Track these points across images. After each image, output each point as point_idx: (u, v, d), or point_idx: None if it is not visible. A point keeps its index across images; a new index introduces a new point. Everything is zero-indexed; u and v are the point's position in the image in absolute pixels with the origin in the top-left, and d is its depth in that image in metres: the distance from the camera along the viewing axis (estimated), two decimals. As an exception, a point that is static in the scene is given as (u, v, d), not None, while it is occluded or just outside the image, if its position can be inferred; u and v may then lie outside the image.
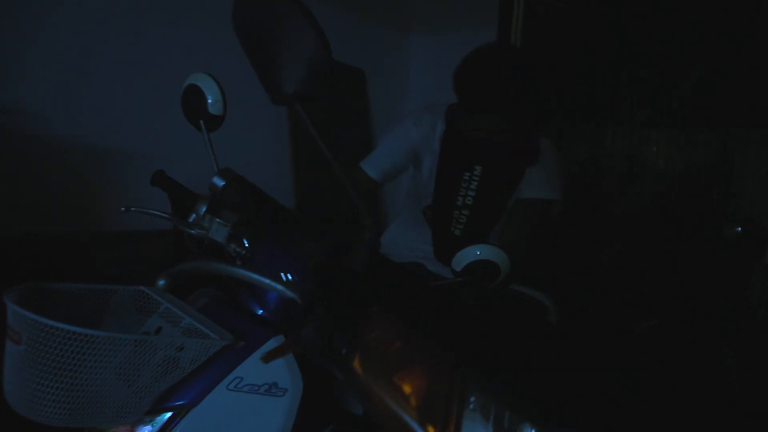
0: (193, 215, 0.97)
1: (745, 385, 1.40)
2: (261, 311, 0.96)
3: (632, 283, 2.95)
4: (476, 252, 0.97)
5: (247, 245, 0.97)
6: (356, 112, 3.49)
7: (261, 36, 0.95)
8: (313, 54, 0.86)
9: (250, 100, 2.95)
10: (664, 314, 1.66)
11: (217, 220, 0.94)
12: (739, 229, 3.04)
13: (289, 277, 0.92)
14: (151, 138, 2.45)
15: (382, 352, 0.73)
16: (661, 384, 1.32)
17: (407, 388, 0.70)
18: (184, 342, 0.80)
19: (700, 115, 3.05)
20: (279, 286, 0.84)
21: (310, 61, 0.86)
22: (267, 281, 0.85)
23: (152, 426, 0.84)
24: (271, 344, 0.89)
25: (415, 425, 0.69)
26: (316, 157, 0.91)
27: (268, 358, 0.86)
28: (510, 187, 1.67)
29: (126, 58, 2.40)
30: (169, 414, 0.84)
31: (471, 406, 0.69)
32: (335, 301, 0.74)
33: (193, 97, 1.04)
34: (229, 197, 1.03)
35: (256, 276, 0.86)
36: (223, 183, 1.06)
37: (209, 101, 1.03)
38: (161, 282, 0.90)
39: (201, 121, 1.04)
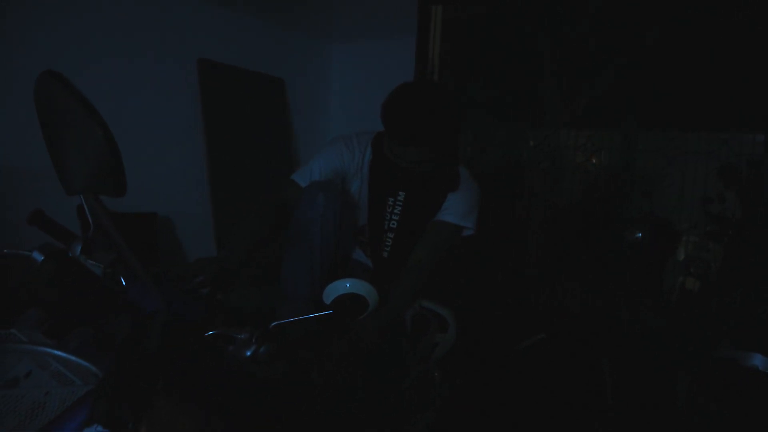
0: (70, 254, 0.98)
1: (619, 394, 1.50)
2: None
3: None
4: (346, 285, 1.02)
5: (124, 284, 0.99)
6: (276, 121, 3.48)
7: (52, 128, 0.94)
8: (99, 151, 0.84)
9: (162, 124, 2.90)
10: (549, 328, 1.75)
11: (90, 261, 0.95)
12: (639, 234, 3.21)
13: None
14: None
15: (169, 426, 0.76)
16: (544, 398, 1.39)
17: None
18: (50, 388, 0.82)
19: (610, 117, 3.19)
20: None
21: (96, 157, 0.85)
22: None
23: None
24: None
25: None
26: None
27: None
28: (432, 211, 1.76)
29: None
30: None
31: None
32: (125, 377, 0.77)
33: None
34: (101, 238, 1.03)
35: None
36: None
37: None
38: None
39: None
